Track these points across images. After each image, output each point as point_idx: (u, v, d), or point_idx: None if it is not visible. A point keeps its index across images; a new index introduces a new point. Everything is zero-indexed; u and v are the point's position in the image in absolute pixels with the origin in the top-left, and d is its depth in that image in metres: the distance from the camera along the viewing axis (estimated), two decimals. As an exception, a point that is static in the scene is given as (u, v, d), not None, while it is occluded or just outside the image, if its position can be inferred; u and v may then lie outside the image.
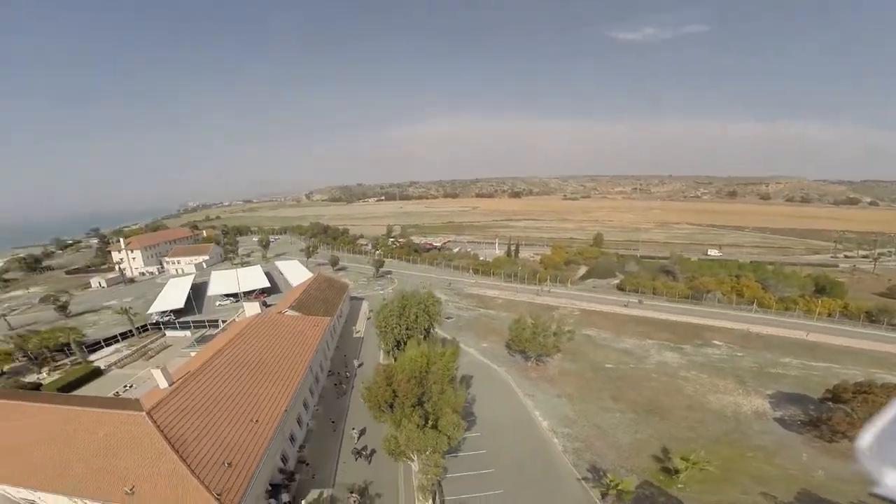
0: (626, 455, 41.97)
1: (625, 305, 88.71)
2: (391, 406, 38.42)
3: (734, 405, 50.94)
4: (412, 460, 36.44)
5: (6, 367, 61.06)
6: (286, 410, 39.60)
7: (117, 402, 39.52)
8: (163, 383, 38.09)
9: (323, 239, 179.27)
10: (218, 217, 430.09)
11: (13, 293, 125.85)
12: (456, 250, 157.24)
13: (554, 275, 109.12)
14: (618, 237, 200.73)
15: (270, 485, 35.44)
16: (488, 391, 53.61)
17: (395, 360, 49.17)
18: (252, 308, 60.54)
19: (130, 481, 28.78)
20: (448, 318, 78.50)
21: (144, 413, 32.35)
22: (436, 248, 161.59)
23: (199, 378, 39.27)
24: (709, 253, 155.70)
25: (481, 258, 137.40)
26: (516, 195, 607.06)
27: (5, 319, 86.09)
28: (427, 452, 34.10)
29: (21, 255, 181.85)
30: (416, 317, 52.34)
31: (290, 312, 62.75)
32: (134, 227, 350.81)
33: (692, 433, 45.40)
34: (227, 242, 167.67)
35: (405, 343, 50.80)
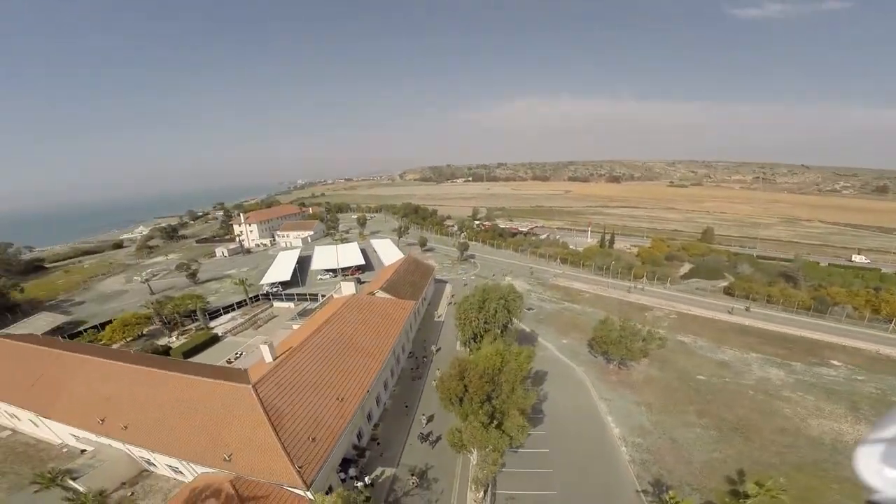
0: (697, 473, 38.94)
1: (729, 311, 79.04)
2: (461, 400, 39.19)
3: (836, 433, 44.37)
4: (471, 453, 37.39)
5: (145, 330, 72.00)
6: (368, 391, 42.37)
7: (228, 373, 45.08)
8: (268, 357, 42.44)
9: (413, 219, 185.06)
10: (322, 194, 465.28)
11: (155, 259, 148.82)
12: (543, 237, 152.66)
13: (651, 271, 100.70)
14: (731, 232, 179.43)
15: (343, 458, 38.25)
16: (562, 390, 52.23)
17: (471, 352, 49.44)
18: (348, 287, 64.57)
19: (231, 448, 32.78)
20: (529, 309, 76.40)
21: (250, 386, 36.61)
22: (521, 233, 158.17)
23: (297, 356, 43.28)
24: (853, 259, 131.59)
25: (570, 247, 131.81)
26: (615, 179, 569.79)
27: (148, 284, 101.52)
28: (487, 449, 34.55)
29: (162, 225, 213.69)
30: (496, 311, 51.30)
31: (381, 294, 66.05)
32: (252, 202, 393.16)
33: (777, 458, 40.67)
34: (329, 219, 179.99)
35: (482, 337, 50.74)
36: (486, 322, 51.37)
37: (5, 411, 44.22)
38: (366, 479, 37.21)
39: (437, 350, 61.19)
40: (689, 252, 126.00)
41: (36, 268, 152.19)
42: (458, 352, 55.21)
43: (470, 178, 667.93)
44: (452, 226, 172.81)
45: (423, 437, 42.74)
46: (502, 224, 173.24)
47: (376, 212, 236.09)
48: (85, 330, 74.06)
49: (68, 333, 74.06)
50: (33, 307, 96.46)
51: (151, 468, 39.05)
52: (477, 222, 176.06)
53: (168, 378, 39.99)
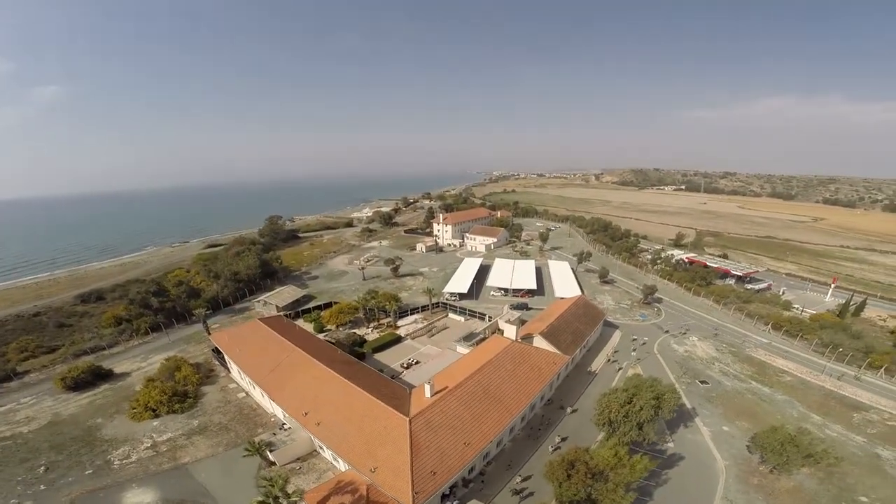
0: None
1: None
2: (560, 484, 39.66)
3: None
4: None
5: (350, 319, 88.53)
6: (492, 441, 46.75)
7: (396, 393, 52.94)
8: (427, 394, 48.97)
9: (601, 238, 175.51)
10: (514, 190, 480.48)
11: (371, 244, 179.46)
12: (762, 286, 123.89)
13: (902, 362, 73.10)
14: None
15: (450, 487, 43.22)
16: (688, 479, 47.04)
17: (600, 426, 49.92)
18: (509, 330, 67.27)
19: (378, 462, 41.21)
20: (703, 383, 67.18)
21: (407, 420, 44.35)
22: (734, 277, 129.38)
23: (448, 399, 49.03)
24: None
25: (794, 307, 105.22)
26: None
27: (363, 272, 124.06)
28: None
29: (382, 210, 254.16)
30: (641, 408, 46.80)
31: (539, 339, 67.20)
32: (452, 192, 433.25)
33: None
34: (513, 228, 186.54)
35: (619, 427, 48.16)
36: (626, 415, 47.68)
37: (250, 381, 61.56)
38: None
39: (572, 412, 58.11)
40: None
41: (293, 237, 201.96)
42: (582, 447, 51.11)
43: (682, 188, 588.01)
44: (646, 251, 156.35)
45: (517, 493, 44.44)
46: (711, 260, 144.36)
47: (562, 221, 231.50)
48: (312, 309, 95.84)
49: (301, 309, 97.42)
50: (285, 275, 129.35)
51: (320, 451, 50.17)
52: (678, 254, 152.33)
53: (353, 391, 50.18)
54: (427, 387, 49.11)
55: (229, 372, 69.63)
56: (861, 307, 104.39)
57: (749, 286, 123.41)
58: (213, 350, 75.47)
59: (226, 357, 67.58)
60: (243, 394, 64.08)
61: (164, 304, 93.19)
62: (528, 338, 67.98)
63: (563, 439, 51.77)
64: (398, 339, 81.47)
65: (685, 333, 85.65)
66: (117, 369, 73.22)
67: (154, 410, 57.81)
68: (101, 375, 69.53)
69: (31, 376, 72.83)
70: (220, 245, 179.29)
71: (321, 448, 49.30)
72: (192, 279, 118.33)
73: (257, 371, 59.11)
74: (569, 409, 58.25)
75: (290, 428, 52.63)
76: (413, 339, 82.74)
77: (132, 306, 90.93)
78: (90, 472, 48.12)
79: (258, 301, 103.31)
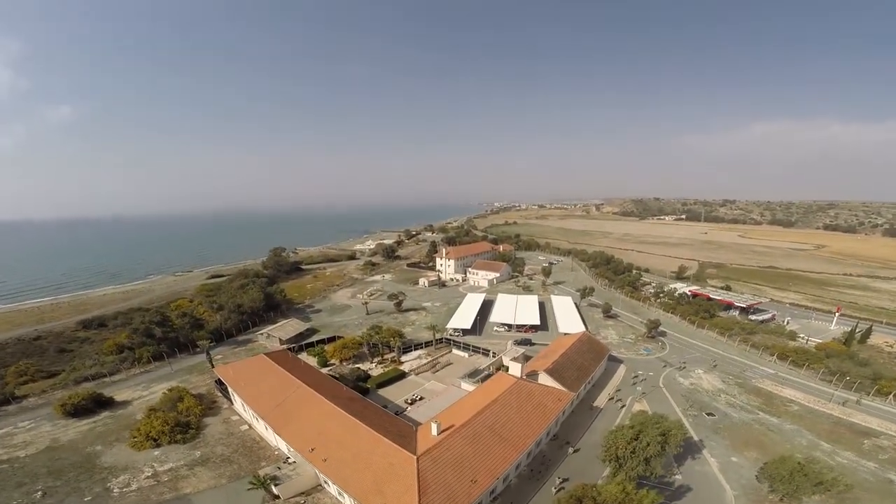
0: None
1: None
2: None
3: None
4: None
5: (354, 354, 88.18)
6: (498, 478, 46.20)
7: (402, 431, 52.40)
8: (433, 432, 48.73)
9: (603, 272, 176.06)
10: (515, 222, 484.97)
11: (375, 277, 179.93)
12: (766, 317, 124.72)
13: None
14: None
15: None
16: None
17: (611, 467, 49.21)
18: (514, 368, 67.07)
19: (386, 498, 40.87)
20: (709, 415, 66.97)
21: (415, 458, 44.22)
22: (737, 308, 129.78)
23: (454, 437, 48.82)
24: None
25: (800, 338, 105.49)
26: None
27: (366, 306, 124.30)
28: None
29: (385, 244, 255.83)
30: (648, 444, 46.71)
31: (544, 377, 67.00)
32: (454, 224, 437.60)
33: None
34: (516, 260, 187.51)
35: (626, 462, 47.84)
36: (633, 451, 47.44)
37: (253, 414, 61.08)
38: None
39: (574, 452, 56.89)
40: None
41: (296, 269, 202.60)
42: (586, 484, 49.77)
43: (683, 217, 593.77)
44: (649, 285, 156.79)
45: None
46: (714, 292, 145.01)
47: (565, 255, 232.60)
48: (316, 343, 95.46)
49: (305, 343, 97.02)
50: (289, 308, 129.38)
51: (325, 486, 49.39)
52: (681, 286, 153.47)
53: (360, 428, 49.99)
54: (434, 425, 48.88)
55: (232, 404, 69.11)
56: (867, 334, 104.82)
57: (753, 317, 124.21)
58: (215, 381, 75.26)
59: (229, 389, 67.28)
60: (246, 426, 63.44)
61: (167, 334, 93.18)
62: (532, 375, 67.74)
63: (565, 480, 50.74)
64: (402, 375, 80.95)
65: (684, 367, 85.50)
66: (118, 397, 72.76)
67: (156, 440, 57.33)
68: (101, 403, 69.25)
69: (29, 400, 72.59)
70: (223, 276, 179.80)
71: (326, 483, 48.66)
72: (196, 309, 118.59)
73: (262, 405, 58.78)
74: (570, 450, 57.25)
75: (294, 462, 51.85)
76: (417, 374, 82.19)
77: (135, 335, 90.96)
78: (89, 498, 47.49)
79: (261, 333, 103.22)
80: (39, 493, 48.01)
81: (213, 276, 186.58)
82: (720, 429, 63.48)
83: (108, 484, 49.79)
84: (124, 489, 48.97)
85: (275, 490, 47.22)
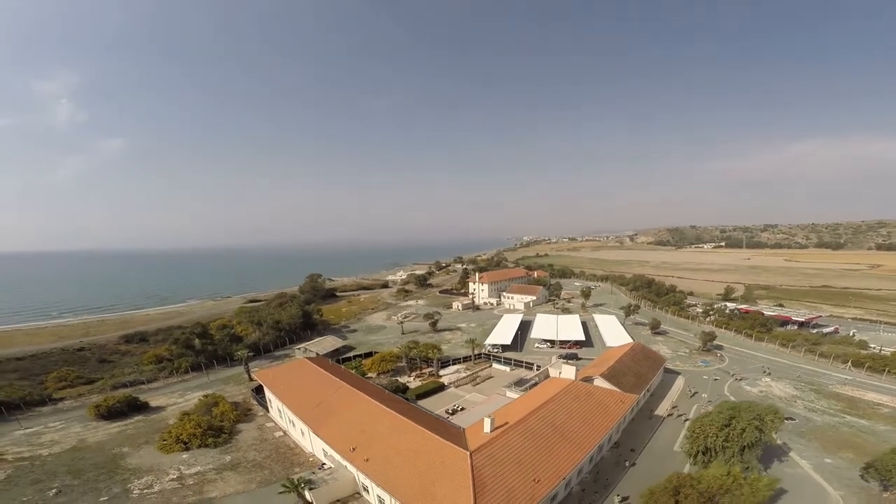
0: None
1: None
2: None
3: None
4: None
5: (391, 367, 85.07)
6: (563, 479, 40.81)
7: (449, 430, 48.32)
8: (487, 428, 44.41)
9: (645, 294, 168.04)
10: (546, 255, 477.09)
11: (408, 302, 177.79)
12: (828, 330, 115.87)
13: None
14: None
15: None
16: None
17: (696, 463, 43.37)
18: (568, 371, 62.11)
19: (437, 500, 36.21)
20: (789, 419, 59.82)
21: (468, 453, 39.56)
22: (795, 323, 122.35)
23: (511, 433, 44.10)
24: None
25: (871, 346, 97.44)
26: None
27: (402, 325, 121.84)
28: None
29: (417, 273, 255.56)
30: (743, 430, 40.72)
31: (600, 381, 61.64)
32: (484, 258, 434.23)
33: None
34: (552, 286, 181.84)
35: (716, 452, 42.12)
36: (726, 439, 41.46)
37: (289, 418, 58.21)
38: None
39: (630, 466, 50.09)
40: None
41: (332, 294, 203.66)
42: (680, 472, 44.19)
43: (722, 244, 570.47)
44: (695, 306, 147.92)
45: None
46: (767, 309, 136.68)
47: (602, 280, 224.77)
48: (353, 357, 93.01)
49: (342, 357, 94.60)
50: (325, 327, 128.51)
51: (364, 493, 45.06)
52: (731, 305, 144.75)
53: (406, 425, 46.13)
54: (487, 420, 44.53)
55: (268, 412, 66.68)
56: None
57: (814, 331, 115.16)
58: (252, 390, 73.55)
59: (266, 396, 65.19)
60: (281, 433, 60.67)
61: (206, 346, 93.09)
62: (587, 380, 62.49)
63: (625, 499, 44.06)
64: (441, 387, 76.84)
65: (740, 379, 78.45)
66: (153, 402, 71.84)
67: (185, 443, 55.14)
68: (135, 407, 68.34)
69: (65, 403, 72.71)
70: (260, 300, 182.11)
71: (366, 489, 44.48)
72: (235, 326, 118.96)
73: (301, 407, 55.74)
74: (627, 463, 50.69)
75: (330, 467, 48.11)
76: (457, 387, 77.89)
77: (175, 346, 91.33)
78: (105, 499, 45.08)
79: (298, 348, 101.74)
80: (54, 490, 46.10)
81: (251, 301, 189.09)
82: (804, 432, 57.83)
83: (129, 485, 47.42)
84: (145, 490, 46.45)
85: (308, 496, 43.20)
